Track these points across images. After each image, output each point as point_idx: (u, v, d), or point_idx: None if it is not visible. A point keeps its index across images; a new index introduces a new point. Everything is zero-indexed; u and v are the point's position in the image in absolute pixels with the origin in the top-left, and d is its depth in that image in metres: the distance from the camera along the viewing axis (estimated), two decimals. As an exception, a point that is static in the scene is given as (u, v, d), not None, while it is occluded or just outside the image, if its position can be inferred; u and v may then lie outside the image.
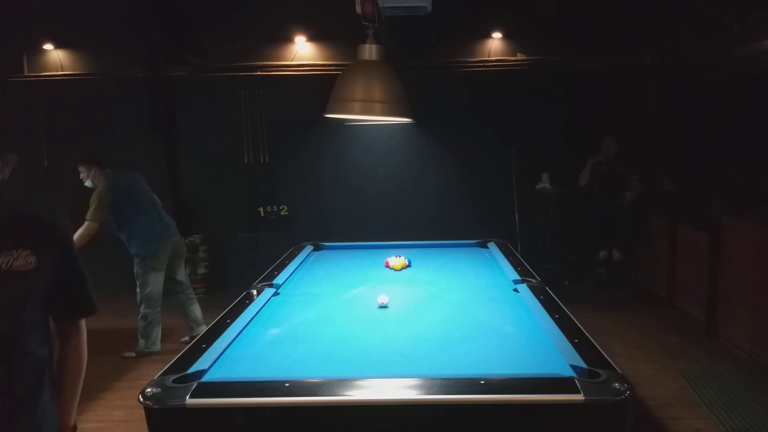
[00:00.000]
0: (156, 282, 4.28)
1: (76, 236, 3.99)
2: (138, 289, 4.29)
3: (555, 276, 5.52)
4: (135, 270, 4.28)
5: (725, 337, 4.40)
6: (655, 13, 5.66)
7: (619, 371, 1.79)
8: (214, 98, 6.16)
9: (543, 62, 5.95)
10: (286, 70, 6.09)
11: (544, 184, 5.95)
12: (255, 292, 2.88)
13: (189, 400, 1.64)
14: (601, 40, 5.82)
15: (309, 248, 4.08)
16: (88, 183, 4.22)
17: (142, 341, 4.31)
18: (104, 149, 5.91)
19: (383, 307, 2.67)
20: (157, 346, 4.33)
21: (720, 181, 5.02)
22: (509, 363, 2.00)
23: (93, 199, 4.10)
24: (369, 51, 3.07)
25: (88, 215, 4.05)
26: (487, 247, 4.09)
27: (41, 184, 6.26)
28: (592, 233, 5.96)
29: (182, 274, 4.56)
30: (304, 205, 6.26)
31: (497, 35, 6.00)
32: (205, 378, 1.84)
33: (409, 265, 3.54)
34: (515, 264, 3.40)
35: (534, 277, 3.09)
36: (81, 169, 4.21)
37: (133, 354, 4.30)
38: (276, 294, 2.94)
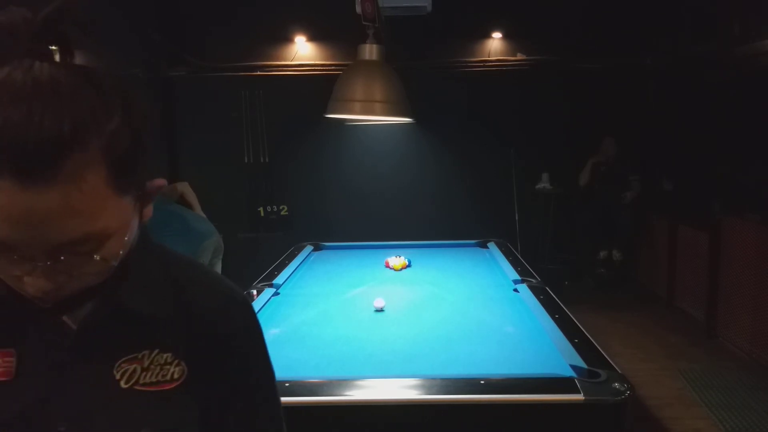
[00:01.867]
0: None
1: None
2: None
3: (555, 276, 5.52)
4: None
5: (725, 337, 4.39)
6: (655, 13, 5.66)
7: (619, 371, 1.79)
8: (215, 98, 6.16)
9: (543, 62, 5.95)
10: (286, 70, 6.09)
11: (544, 184, 5.95)
12: (255, 292, 2.88)
13: (189, 400, 1.63)
14: (601, 40, 5.82)
15: (309, 248, 4.08)
16: None
17: None
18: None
19: (379, 311, 2.64)
20: None
21: (720, 181, 5.02)
22: (509, 363, 2.00)
23: None
24: (369, 51, 3.07)
25: None
26: (487, 247, 4.09)
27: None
28: (592, 233, 5.96)
29: None
30: (304, 205, 6.26)
31: (497, 35, 6.00)
32: (205, 378, 1.83)
33: (409, 265, 3.53)
34: (515, 264, 3.40)
35: (534, 277, 3.08)
36: None
37: None
38: (276, 294, 2.94)
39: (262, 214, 6.22)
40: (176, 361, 0.74)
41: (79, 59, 0.68)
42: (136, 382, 0.72)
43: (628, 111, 5.96)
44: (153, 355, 0.74)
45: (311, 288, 3.16)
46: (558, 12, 5.83)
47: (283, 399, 1.72)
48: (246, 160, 6.23)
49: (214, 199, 6.09)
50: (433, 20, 5.36)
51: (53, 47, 0.64)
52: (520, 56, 5.98)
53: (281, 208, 6.24)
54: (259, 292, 2.86)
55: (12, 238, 0.59)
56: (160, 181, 0.74)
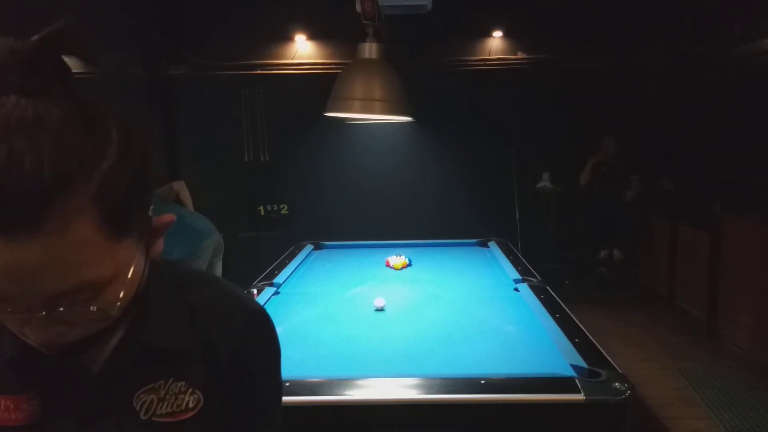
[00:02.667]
0: None
1: None
2: None
3: (555, 275, 5.52)
4: None
5: (726, 337, 4.39)
6: (655, 12, 5.66)
7: (620, 371, 1.79)
8: (215, 97, 6.16)
9: (544, 61, 5.95)
10: (287, 69, 6.09)
11: (544, 183, 5.95)
12: (255, 291, 2.87)
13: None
14: (602, 40, 5.82)
15: (309, 247, 4.08)
16: None
17: None
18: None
19: (380, 310, 2.64)
20: None
21: (720, 181, 5.01)
22: (510, 362, 2.00)
23: None
24: (369, 49, 3.07)
25: None
26: (487, 246, 4.09)
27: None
28: (593, 232, 5.96)
29: (219, 273, 4.50)
30: (304, 204, 6.26)
31: (498, 34, 6.00)
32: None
33: (409, 265, 3.53)
34: (516, 263, 3.40)
35: (534, 276, 3.08)
36: None
37: None
38: (276, 293, 2.94)
39: (262, 213, 6.22)
40: (190, 390, 0.73)
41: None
42: (154, 413, 0.71)
43: (629, 110, 5.96)
44: (168, 384, 0.72)
45: (311, 287, 3.16)
46: (559, 11, 5.83)
47: (284, 398, 1.72)
48: (246, 159, 6.22)
49: (215, 197, 6.11)
50: (433, 19, 5.36)
51: (49, 76, 0.59)
52: (520, 55, 5.98)
53: (281, 206, 6.24)
54: (259, 291, 2.86)
55: (1, 291, 0.56)
56: (169, 217, 0.71)
